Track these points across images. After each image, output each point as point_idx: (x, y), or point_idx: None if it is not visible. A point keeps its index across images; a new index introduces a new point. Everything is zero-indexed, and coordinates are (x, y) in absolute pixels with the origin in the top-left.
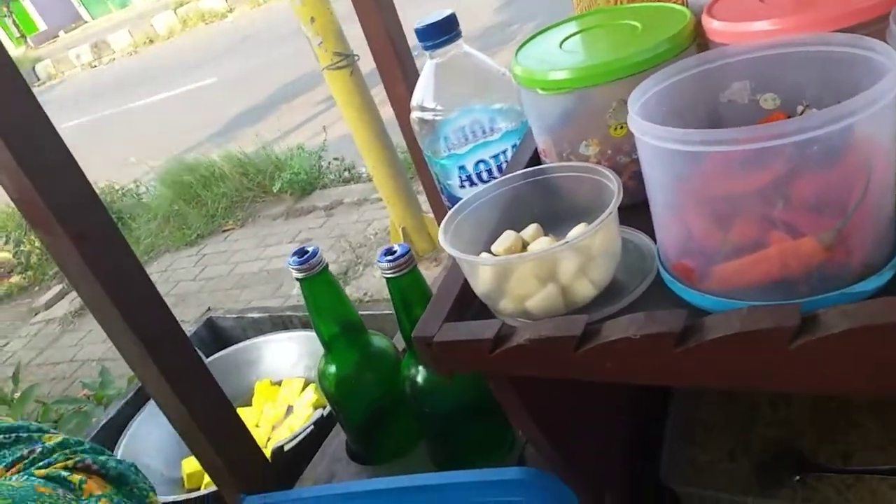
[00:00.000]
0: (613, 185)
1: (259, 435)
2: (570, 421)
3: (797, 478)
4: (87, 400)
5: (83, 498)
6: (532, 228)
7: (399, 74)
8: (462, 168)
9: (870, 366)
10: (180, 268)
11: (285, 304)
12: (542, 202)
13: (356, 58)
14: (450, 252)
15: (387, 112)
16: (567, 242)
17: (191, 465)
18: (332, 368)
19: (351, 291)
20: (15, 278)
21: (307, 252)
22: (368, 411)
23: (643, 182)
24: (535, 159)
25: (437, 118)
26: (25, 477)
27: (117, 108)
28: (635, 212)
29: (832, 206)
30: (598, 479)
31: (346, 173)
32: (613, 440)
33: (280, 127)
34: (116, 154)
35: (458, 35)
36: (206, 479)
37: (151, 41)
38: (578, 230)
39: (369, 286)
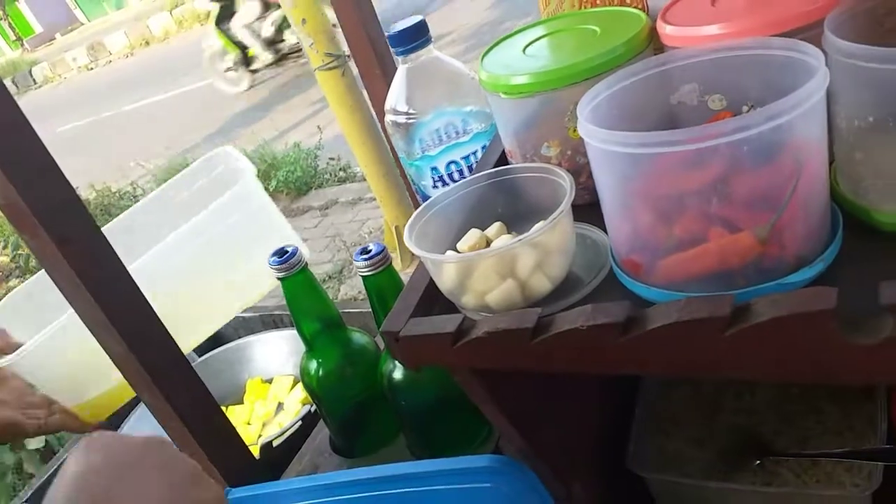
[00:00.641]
0: (566, 185)
1: (250, 432)
2: (538, 412)
3: (758, 462)
4: None
5: None
6: (496, 227)
7: (379, 76)
8: (434, 169)
9: (798, 352)
10: None
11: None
12: (505, 202)
13: (347, 58)
14: (413, 251)
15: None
16: (520, 239)
17: None
18: (314, 365)
19: (346, 290)
20: (13, 282)
21: (287, 252)
22: (350, 406)
23: None
24: (503, 160)
25: (411, 121)
26: None
27: (115, 110)
28: (595, 209)
29: (767, 201)
30: (567, 468)
31: (342, 173)
32: (583, 430)
33: (277, 127)
34: (114, 156)
35: (428, 40)
36: None
37: (147, 43)
38: (535, 228)
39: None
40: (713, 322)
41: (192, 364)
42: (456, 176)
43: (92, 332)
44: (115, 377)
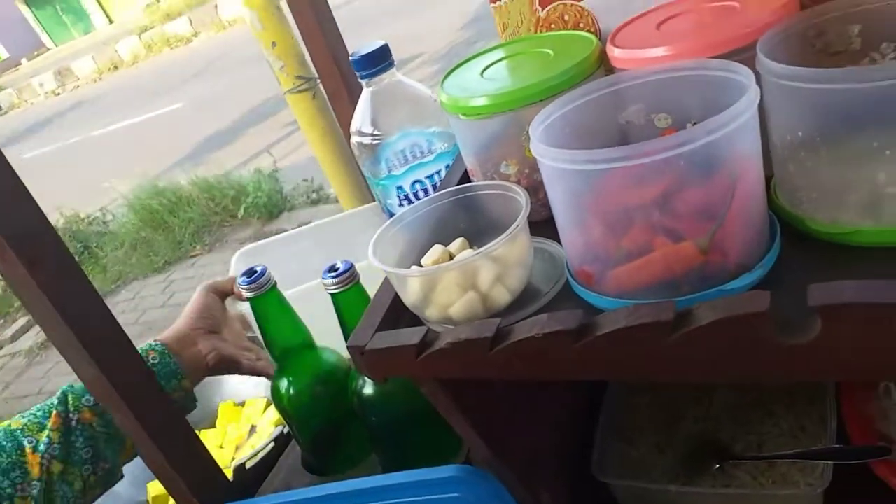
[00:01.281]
0: (522, 201)
1: (223, 455)
2: (503, 420)
3: (717, 466)
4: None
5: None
6: (458, 242)
7: (347, 98)
8: (400, 188)
9: (738, 353)
10: (149, 295)
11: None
12: (467, 218)
13: (318, 81)
14: (378, 266)
15: None
16: (479, 252)
17: (156, 488)
18: (285, 384)
19: None
20: None
21: (256, 272)
22: (321, 424)
23: None
24: (466, 178)
25: (376, 142)
26: None
27: (83, 135)
28: (552, 224)
29: (707, 213)
30: (534, 476)
31: (314, 194)
32: (548, 438)
33: (248, 150)
34: (83, 182)
35: (391, 64)
36: (172, 501)
37: (116, 67)
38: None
39: None
40: (658, 326)
41: None
42: (421, 194)
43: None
44: None
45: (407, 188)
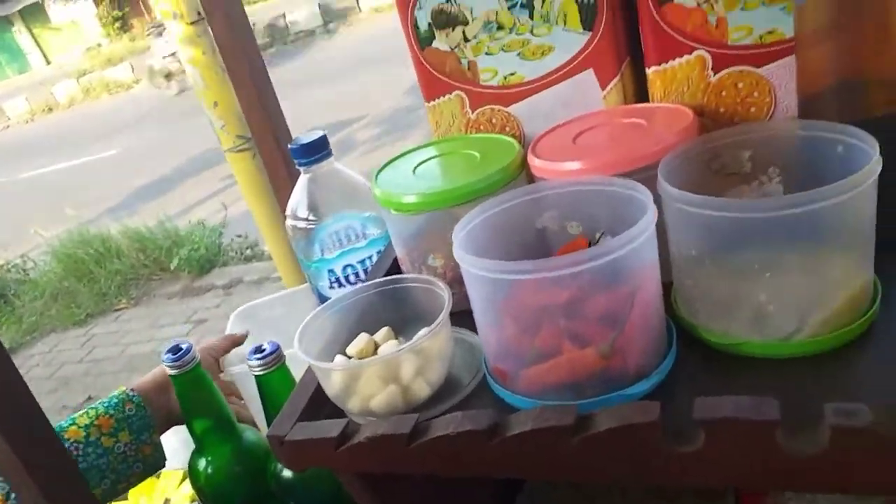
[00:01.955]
0: (444, 296)
1: None
2: None
3: None
4: None
5: None
6: (383, 331)
7: (283, 167)
8: (331, 271)
9: (633, 457)
10: (66, 349)
11: None
12: (393, 308)
13: None
14: (302, 358)
15: None
16: (402, 348)
17: None
18: (203, 463)
19: None
20: None
21: (181, 349)
22: None
23: None
24: (395, 266)
25: (310, 226)
26: None
27: (9, 177)
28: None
29: (609, 321)
30: None
31: (248, 251)
32: None
33: (183, 202)
34: (5, 227)
35: (328, 154)
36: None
37: (51, 109)
38: (417, 336)
39: None
40: (560, 430)
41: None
42: (352, 278)
43: None
44: None
45: (338, 272)
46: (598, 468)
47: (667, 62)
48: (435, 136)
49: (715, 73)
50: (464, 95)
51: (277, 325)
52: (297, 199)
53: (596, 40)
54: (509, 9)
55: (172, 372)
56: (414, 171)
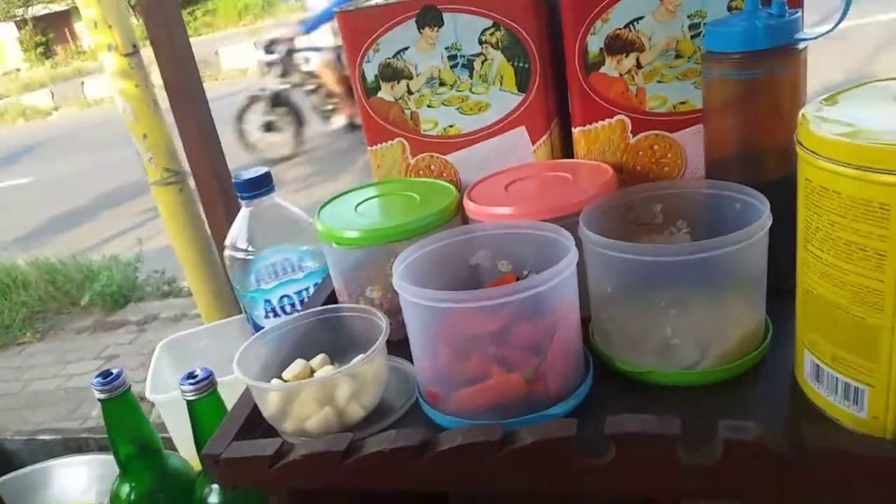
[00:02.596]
0: (382, 325)
1: None
2: None
3: None
4: None
5: None
6: (319, 358)
7: (220, 206)
8: (268, 301)
9: (552, 469)
10: None
11: (83, 425)
12: (330, 336)
13: (187, 175)
14: (240, 378)
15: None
16: (339, 371)
17: None
18: (126, 489)
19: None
20: None
21: (111, 374)
22: None
23: None
24: (332, 297)
25: (248, 258)
26: None
27: None
28: (408, 344)
29: (533, 349)
30: None
31: (166, 287)
32: None
33: (97, 235)
34: None
35: (271, 189)
36: None
37: None
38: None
39: None
40: (488, 445)
41: None
42: (288, 309)
43: None
44: None
45: (275, 302)
46: (521, 480)
47: (591, 124)
48: (376, 177)
49: (633, 136)
50: (405, 142)
51: (204, 355)
52: (237, 231)
53: (528, 101)
54: (451, 67)
55: (102, 396)
56: (356, 208)
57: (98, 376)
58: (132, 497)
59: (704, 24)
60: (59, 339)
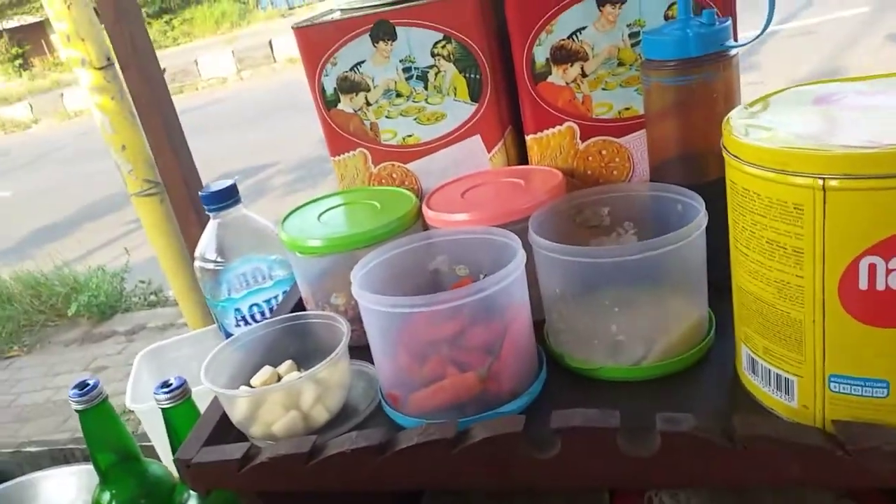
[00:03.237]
0: (344, 329)
1: None
2: None
3: None
4: None
5: None
6: (286, 364)
7: (193, 217)
8: (238, 310)
9: (504, 463)
10: None
11: (71, 437)
12: (296, 343)
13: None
14: (207, 386)
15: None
16: (302, 377)
17: None
18: (107, 497)
19: None
20: None
21: (88, 384)
22: None
23: None
24: (300, 305)
25: (218, 268)
26: None
27: None
28: None
29: (486, 349)
30: None
31: (153, 297)
32: None
33: (82, 247)
34: None
35: (237, 201)
36: None
37: None
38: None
39: None
40: (443, 443)
41: None
42: (258, 317)
43: None
44: None
45: (244, 310)
46: (476, 475)
47: (542, 131)
48: (340, 187)
49: (583, 142)
50: (367, 152)
51: (184, 364)
52: (206, 242)
53: (482, 111)
54: (406, 80)
55: (79, 407)
56: (319, 217)
57: (75, 387)
58: None
59: (642, 32)
60: (47, 352)
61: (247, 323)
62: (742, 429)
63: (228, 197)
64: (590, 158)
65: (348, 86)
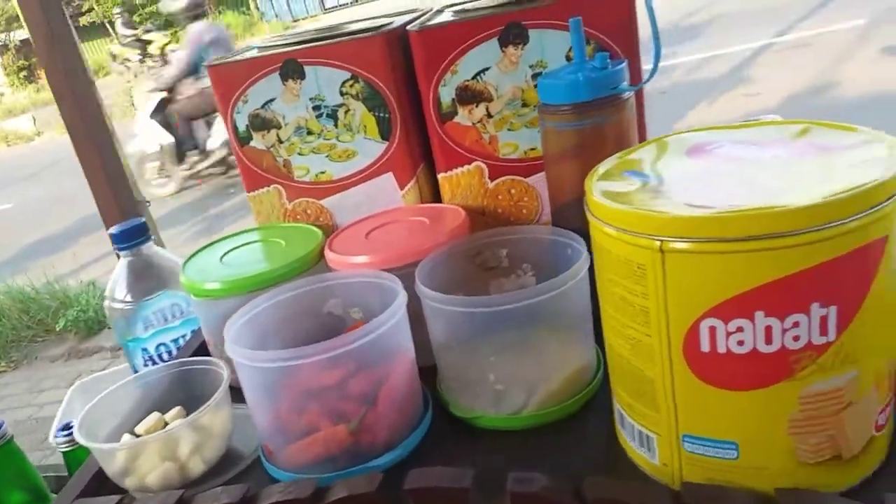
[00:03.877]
0: (224, 374)
1: None
2: None
3: None
4: None
5: None
6: (174, 411)
7: None
8: (145, 349)
9: None
10: None
11: (51, 455)
12: (185, 389)
13: (148, 204)
14: (78, 439)
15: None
16: (172, 426)
17: None
18: None
19: None
20: None
21: None
22: None
23: None
24: (204, 347)
25: (128, 307)
26: None
27: None
28: None
29: (358, 402)
30: None
31: None
32: None
33: (77, 260)
34: None
35: (147, 239)
36: None
37: None
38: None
39: None
40: (302, 501)
41: None
42: (165, 356)
43: None
44: None
45: (152, 350)
46: None
47: (452, 170)
48: (257, 222)
49: (492, 181)
50: (281, 189)
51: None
52: (116, 281)
53: (392, 149)
54: (317, 118)
55: None
56: (222, 258)
57: None
58: None
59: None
60: (33, 368)
61: (154, 363)
62: (591, 491)
63: (137, 235)
64: (500, 197)
65: (259, 123)
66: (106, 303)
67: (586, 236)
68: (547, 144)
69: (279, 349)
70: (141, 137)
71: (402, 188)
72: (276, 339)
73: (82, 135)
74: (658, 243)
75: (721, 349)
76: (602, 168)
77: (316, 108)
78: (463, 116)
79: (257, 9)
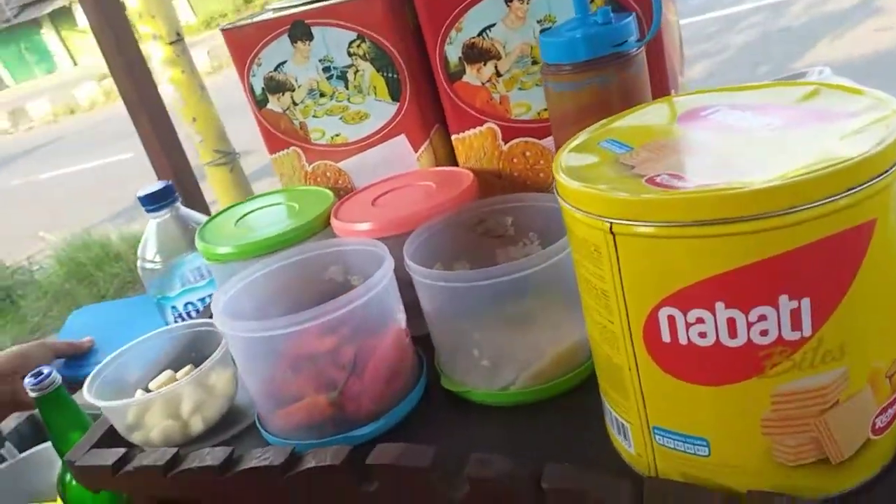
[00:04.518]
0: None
1: None
2: None
3: None
4: None
5: None
6: (186, 369)
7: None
8: (174, 308)
9: (330, 495)
10: None
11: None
12: (199, 348)
13: (237, 155)
14: (87, 398)
15: None
16: (177, 383)
17: None
18: (69, 477)
19: None
20: None
21: (42, 373)
22: None
23: None
24: None
25: (157, 267)
26: None
27: (26, 178)
28: None
29: (340, 372)
30: None
31: None
32: None
33: None
34: (17, 227)
35: (175, 200)
36: None
37: (72, 111)
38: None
39: None
40: (273, 468)
41: (13, 461)
42: (193, 314)
43: None
44: None
45: (181, 308)
46: (305, 501)
47: (464, 131)
48: (281, 185)
49: (505, 143)
50: (299, 151)
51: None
52: (146, 243)
53: (403, 110)
54: (327, 79)
55: (35, 394)
56: (236, 222)
57: (31, 376)
58: (73, 483)
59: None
60: None
61: (183, 320)
62: (550, 479)
63: (165, 197)
64: (514, 160)
65: (274, 85)
66: (138, 263)
67: None
68: (550, 106)
69: (277, 316)
70: None
71: (415, 150)
72: (276, 305)
73: (135, 104)
74: (608, 225)
75: (682, 340)
76: (581, 136)
77: (326, 69)
78: (471, 76)
79: None
